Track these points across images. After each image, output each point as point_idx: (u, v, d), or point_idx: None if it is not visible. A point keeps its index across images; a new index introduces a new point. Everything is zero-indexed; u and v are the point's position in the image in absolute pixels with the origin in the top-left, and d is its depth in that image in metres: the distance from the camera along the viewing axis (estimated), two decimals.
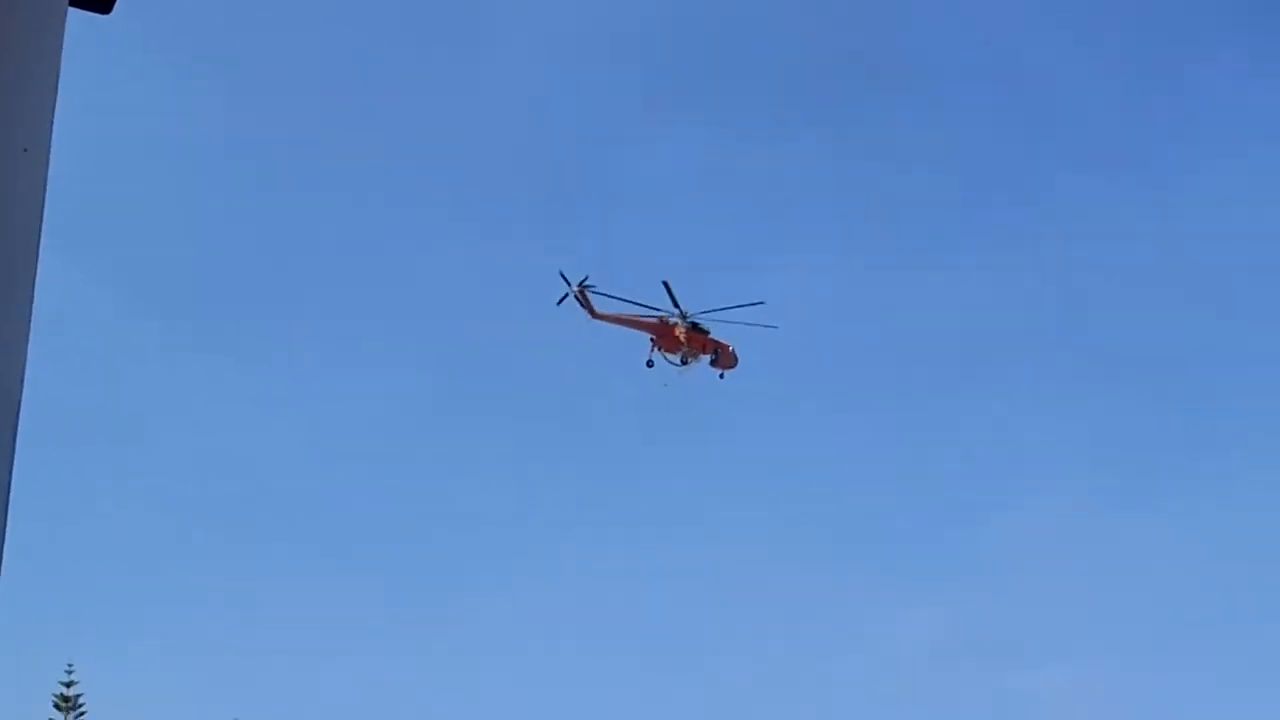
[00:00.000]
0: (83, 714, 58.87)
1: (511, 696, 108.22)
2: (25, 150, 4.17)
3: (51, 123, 4.29)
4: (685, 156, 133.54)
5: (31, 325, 4.07)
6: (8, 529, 3.92)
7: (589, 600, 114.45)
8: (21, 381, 4.06)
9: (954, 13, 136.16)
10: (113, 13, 4.91)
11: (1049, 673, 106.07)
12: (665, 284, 43.04)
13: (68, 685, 58.99)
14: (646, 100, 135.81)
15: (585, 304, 44.01)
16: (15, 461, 4.02)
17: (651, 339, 45.23)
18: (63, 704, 58.09)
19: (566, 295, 43.84)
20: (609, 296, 43.36)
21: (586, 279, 43.46)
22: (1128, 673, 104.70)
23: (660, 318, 45.14)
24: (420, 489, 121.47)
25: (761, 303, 44.62)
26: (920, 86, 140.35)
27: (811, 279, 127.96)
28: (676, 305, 44.96)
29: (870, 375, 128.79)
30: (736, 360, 45.58)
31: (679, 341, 44.94)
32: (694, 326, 45.04)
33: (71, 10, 4.53)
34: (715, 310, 45.55)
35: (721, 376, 45.85)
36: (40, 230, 4.16)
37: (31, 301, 4.08)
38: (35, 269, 4.11)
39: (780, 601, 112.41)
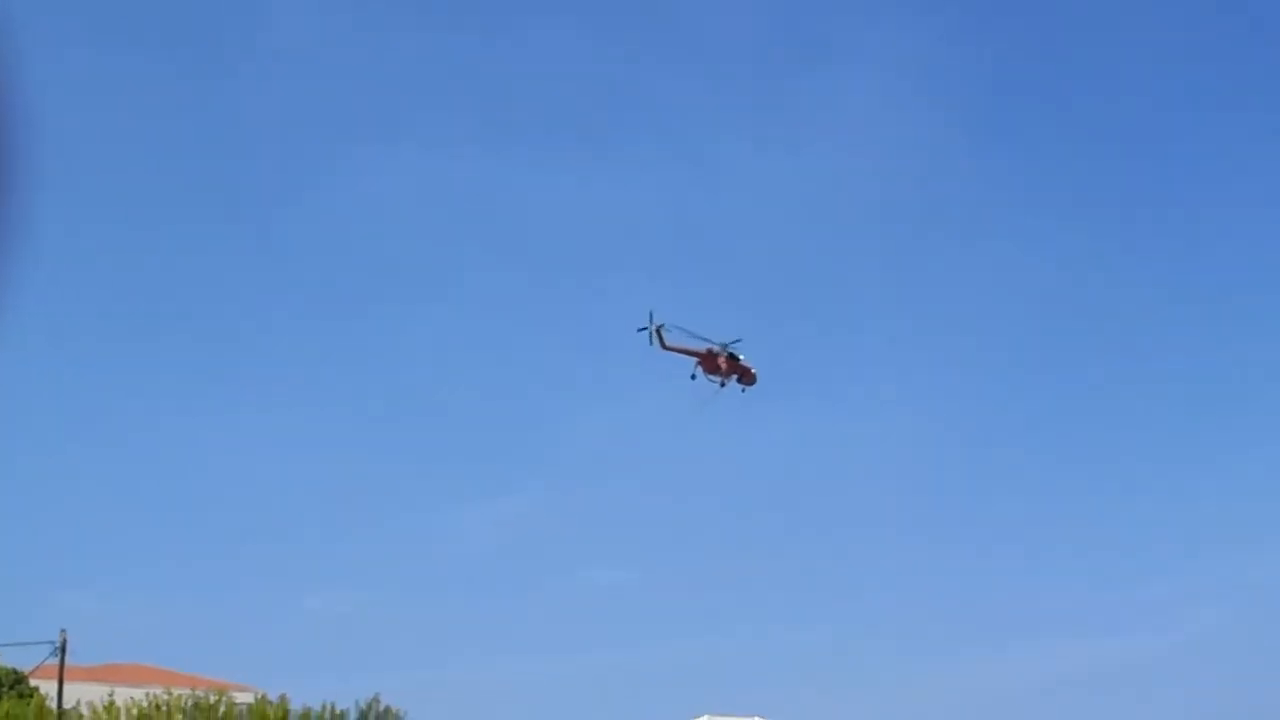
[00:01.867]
0: None
1: None
2: None
3: None
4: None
5: None
6: None
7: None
8: None
9: None
10: None
11: (621, 573, 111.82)
12: (718, 344, 59.08)
13: None
14: None
15: (660, 338, 58.93)
16: None
17: (698, 362, 60.61)
18: None
19: (647, 330, 58.42)
20: (680, 329, 58.81)
21: (662, 325, 58.48)
22: (689, 578, 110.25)
23: (708, 349, 60.48)
24: None
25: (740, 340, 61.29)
26: None
27: (414, 170, 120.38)
28: (713, 342, 60.63)
29: (473, 271, 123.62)
30: (756, 380, 61.42)
31: (719, 368, 60.37)
32: (731, 356, 60.54)
33: None
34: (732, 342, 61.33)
35: (743, 390, 61.72)
36: None
37: None
38: None
39: (369, 485, 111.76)
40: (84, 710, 57.69)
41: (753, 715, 68.46)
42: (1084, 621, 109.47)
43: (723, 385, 60.87)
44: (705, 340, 60.21)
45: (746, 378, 61.06)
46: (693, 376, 60.45)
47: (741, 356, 60.67)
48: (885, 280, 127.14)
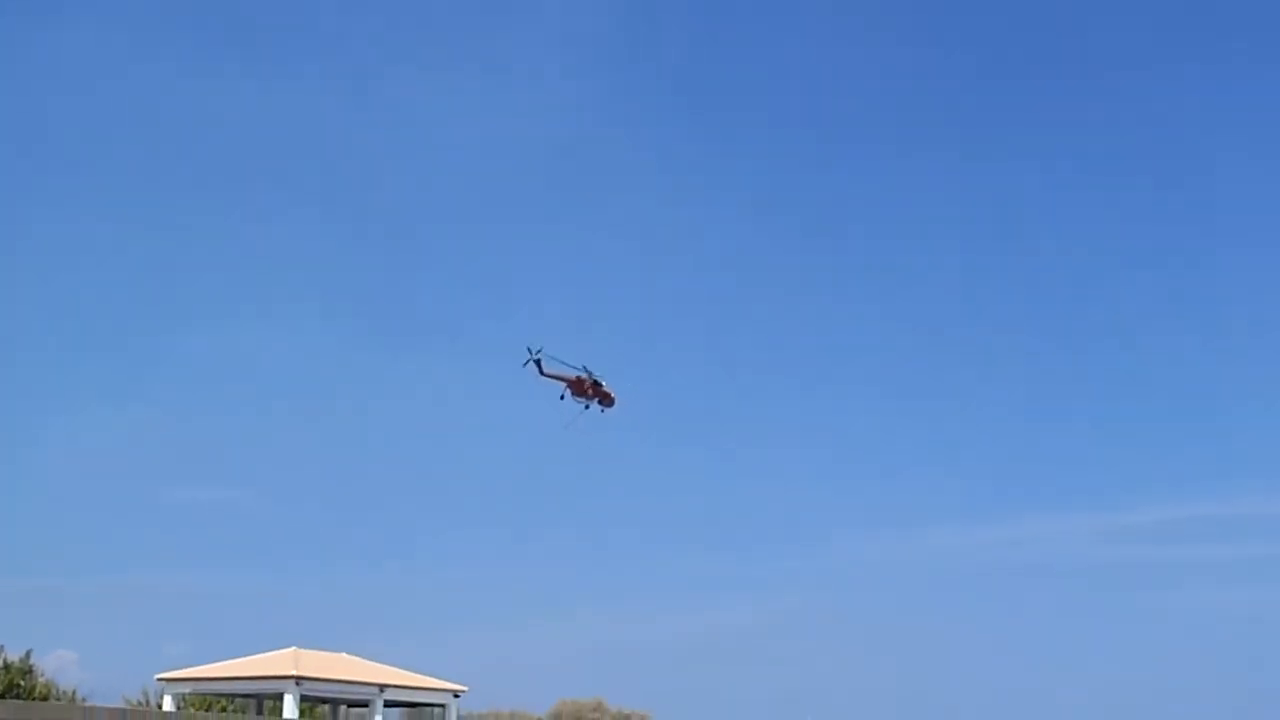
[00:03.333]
0: None
1: None
2: None
3: None
4: None
5: None
6: None
7: None
8: None
9: None
10: None
11: (211, 492, 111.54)
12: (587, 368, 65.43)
13: None
14: None
15: (539, 367, 64.71)
16: None
17: (567, 386, 67.02)
18: None
19: (529, 360, 63.89)
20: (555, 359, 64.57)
21: (541, 350, 64.28)
22: (297, 507, 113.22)
23: (578, 376, 66.88)
24: None
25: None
26: None
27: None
28: (587, 370, 67.12)
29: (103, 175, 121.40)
30: (615, 402, 68.24)
31: (586, 392, 66.92)
32: (595, 383, 67.12)
33: None
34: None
35: (603, 411, 68.54)
36: None
37: None
38: None
39: None
40: None
41: (340, 651, 69.16)
42: (690, 593, 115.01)
43: (587, 407, 67.57)
44: (575, 368, 66.53)
45: (606, 400, 67.91)
46: (561, 397, 66.86)
47: (604, 383, 67.40)
48: (528, 230, 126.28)
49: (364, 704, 68.06)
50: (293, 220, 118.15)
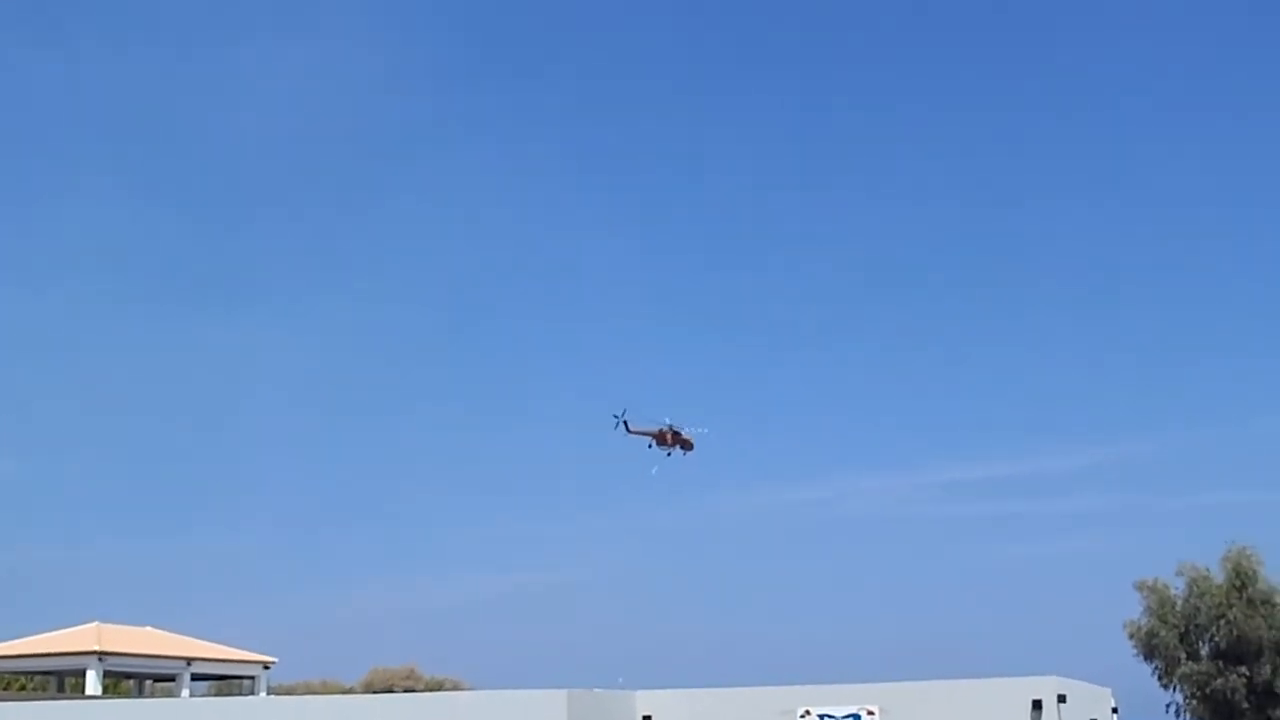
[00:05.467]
0: None
1: None
2: None
3: None
4: None
5: None
6: None
7: None
8: None
9: None
10: None
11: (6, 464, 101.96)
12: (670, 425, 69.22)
13: None
14: None
15: (626, 426, 68.49)
16: None
17: (653, 439, 71.42)
18: None
19: (618, 423, 67.48)
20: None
21: (625, 411, 67.81)
22: (85, 478, 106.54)
23: (660, 430, 70.99)
24: None
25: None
26: None
27: None
28: (669, 424, 71.28)
29: None
30: (694, 446, 72.59)
31: (667, 441, 71.30)
32: (675, 432, 71.51)
33: None
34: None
35: (684, 454, 72.99)
36: None
37: None
38: None
39: None
40: None
41: (144, 625, 67.26)
42: (499, 554, 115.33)
43: (669, 454, 71.49)
44: (658, 423, 70.30)
45: (686, 446, 72.09)
46: (650, 447, 70.91)
47: (683, 431, 71.44)
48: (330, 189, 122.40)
49: (170, 678, 66.02)
50: (78, 185, 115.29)
